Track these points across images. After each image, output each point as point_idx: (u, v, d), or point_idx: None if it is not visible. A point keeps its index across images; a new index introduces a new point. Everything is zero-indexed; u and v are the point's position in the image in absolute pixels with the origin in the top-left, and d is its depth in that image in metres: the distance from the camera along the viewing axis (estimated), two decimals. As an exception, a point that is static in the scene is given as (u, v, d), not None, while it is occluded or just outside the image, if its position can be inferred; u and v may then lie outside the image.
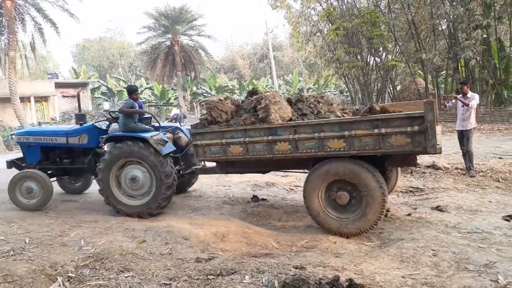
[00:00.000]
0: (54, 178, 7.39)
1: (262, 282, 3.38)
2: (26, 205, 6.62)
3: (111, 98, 36.00)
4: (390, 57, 21.66)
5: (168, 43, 34.66)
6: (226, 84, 42.18)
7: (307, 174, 5.11)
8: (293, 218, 6.01)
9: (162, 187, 5.92)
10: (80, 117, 7.46)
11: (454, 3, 17.77)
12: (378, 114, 4.78)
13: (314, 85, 39.65)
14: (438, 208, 5.88)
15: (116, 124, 6.80)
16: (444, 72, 21.27)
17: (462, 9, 16.99)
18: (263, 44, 53.56)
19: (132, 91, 6.64)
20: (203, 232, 5.16)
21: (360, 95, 24.38)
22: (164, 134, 6.45)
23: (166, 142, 6.14)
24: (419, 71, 23.50)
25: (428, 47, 19.52)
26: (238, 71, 54.98)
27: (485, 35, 17.98)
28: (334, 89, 40.03)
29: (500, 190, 6.83)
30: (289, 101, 5.58)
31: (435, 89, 21.20)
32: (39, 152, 7.13)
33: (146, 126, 6.60)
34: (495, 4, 17.74)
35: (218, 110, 5.53)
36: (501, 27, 19.58)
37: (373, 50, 21.94)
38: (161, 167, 5.90)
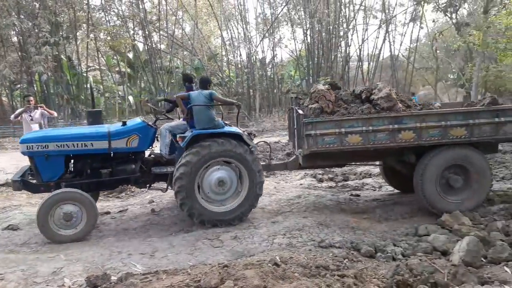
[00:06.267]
0: None
1: None
2: (66, 237, 4.97)
3: None
4: None
5: None
6: None
7: (420, 162, 5.50)
8: None
9: (257, 186, 5.56)
10: (96, 115, 6.51)
11: (22, 16, 17.48)
12: (499, 105, 5.53)
13: None
14: (9, 228, 5.64)
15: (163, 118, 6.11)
16: (20, 85, 20.64)
17: (30, 23, 17.04)
18: None
19: (209, 82, 5.99)
20: None
21: None
22: None
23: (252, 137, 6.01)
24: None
25: (-4, 58, 18.17)
26: None
27: (56, 52, 18.83)
28: None
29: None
30: None
31: (11, 102, 20.17)
32: (62, 163, 5.29)
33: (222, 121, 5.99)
34: (63, 24, 18.98)
35: (326, 100, 5.45)
36: (71, 46, 21.17)
37: None
38: (255, 165, 5.54)
